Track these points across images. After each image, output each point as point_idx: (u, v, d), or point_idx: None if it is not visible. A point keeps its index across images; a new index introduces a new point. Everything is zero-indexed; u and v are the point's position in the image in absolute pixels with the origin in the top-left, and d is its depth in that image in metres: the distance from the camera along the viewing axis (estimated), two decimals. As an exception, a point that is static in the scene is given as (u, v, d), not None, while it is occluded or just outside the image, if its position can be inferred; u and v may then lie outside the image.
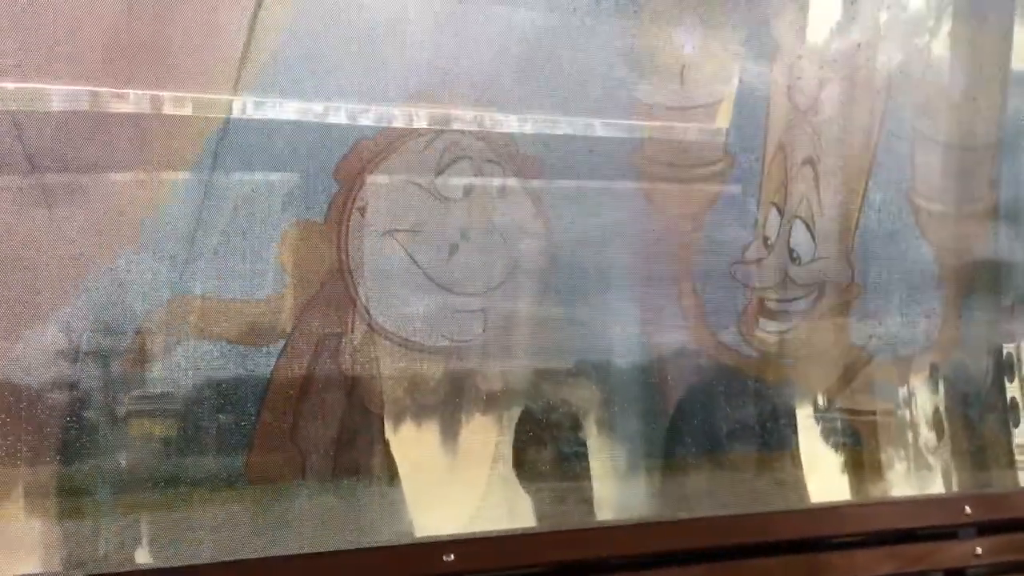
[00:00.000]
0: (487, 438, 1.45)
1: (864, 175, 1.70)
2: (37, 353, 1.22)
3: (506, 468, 1.45)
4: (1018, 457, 1.80)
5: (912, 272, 1.75)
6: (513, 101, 1.46)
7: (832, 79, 1.67)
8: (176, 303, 1.29)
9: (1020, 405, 1.83)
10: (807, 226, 1.67)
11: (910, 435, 1.73)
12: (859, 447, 1.69)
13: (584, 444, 1.50)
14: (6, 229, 1.21)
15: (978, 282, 1.81)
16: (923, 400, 1.75)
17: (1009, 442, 1.81)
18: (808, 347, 1.66)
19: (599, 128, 1.52)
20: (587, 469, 1.50)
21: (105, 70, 1.25)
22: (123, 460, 1.26)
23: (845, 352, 1.69)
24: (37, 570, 1.21)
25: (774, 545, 1.55)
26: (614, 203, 1.53)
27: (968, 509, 1.64)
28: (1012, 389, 1.83)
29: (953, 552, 1.63)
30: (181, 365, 1.29)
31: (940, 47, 1.77)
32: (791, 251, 1.66)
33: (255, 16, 1.31)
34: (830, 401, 1.68)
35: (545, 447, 1.48)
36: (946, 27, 1.76)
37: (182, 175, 1.29)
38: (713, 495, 1.57)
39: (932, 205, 1.76)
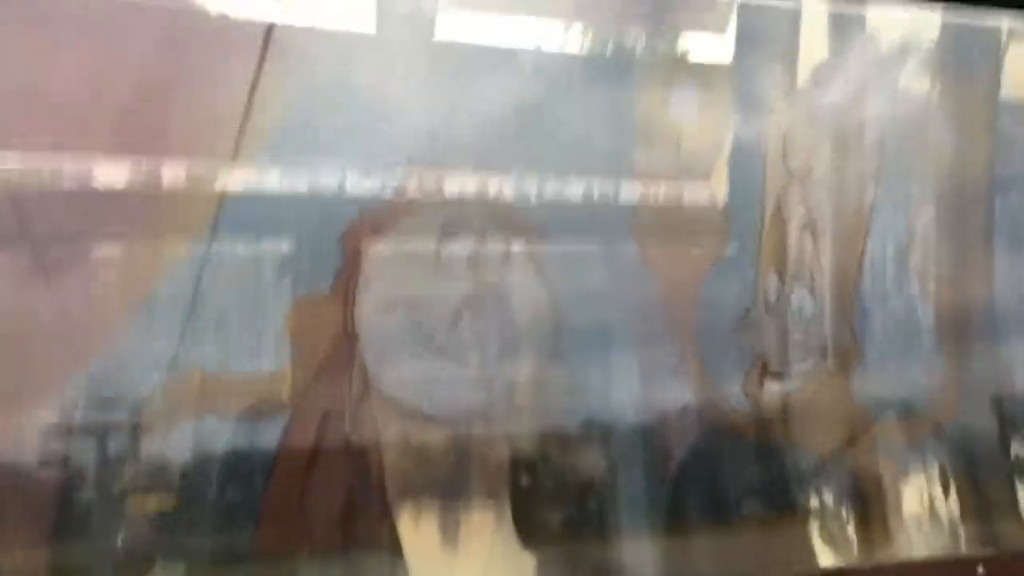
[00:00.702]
0: (493, 507, 1.44)
1: (861, 237, 1.72)
2: (36, 432, 1.22)
3: (512, 537, 1.44)
4: (1025, 514, 1.79)
5: (912, 332, 1.75)
6: (512, 169, 1.48)
7: (824, 142, 1.70)
8: (179, 379, 1.29)
9: (1024, 463, 1.83)
10: (808, 290, 1.68)
11: (918, 496, 1.72)
12: (866, 508, 1.68)
13: (590, 510, 1.49)
14: (3, 303, 1.21)
15: (978, 339, 1.81)
16: (929, 460, 1.75)
17: (1015, 500, 1.80)
18: (813, 408, 1.66)
19: (598, 193, 1.54)
20: (594, 535, 1.49)
21: (105, 144, 1.26)
22: (124, 540, 1.24)
23: (849, 413, 1.69)
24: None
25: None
26: (614, 267, 1.54)
27: (981, 570, 1.62)
28: (1017, 447, 1.83)
29: (968, 613, 1.62)
30: (185, 441, 1.29)
31: (929, 106, 1.80)
32: (793, 314, 1.66)
33: (253, 89, 1.33)
34: (836, 462, 1.67)
35: (552, 514, 1.47)
36: (935, 86, 1.80)
37: (183, 248, 1.31)
38: (719, 558, 1.56)
39: (929, 264, 1.78)
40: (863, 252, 1.72)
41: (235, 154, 1.32)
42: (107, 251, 1.27)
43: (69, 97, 1.25)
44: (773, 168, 1.66)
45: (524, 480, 1.46)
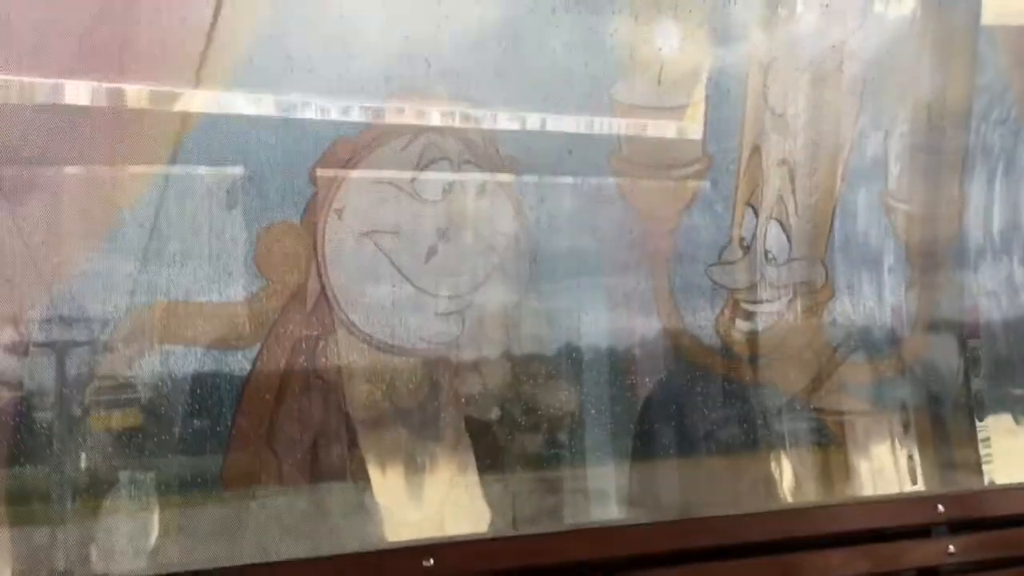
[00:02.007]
0: (464, 440, 1.44)
1: (838, 176, 1.71)
2: (10, 362, 1.19)
3: (482, 471, 1.44)
4: (983, 451, 1.82)
5: (884, 272, 1.76)
6: (492, 99, 1.44)
7: (807, 81, 1.67)
8: (146, 306, 1.26)
9: (984, 400, 1.85)
10: (782, 227, 1.67)
11: (882, 435, 1.75)
12: (833, 447, 1.70)
13: (560, 445, 1.50)
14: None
15: (948, 281, 1.82)
16: (895, 399, 1.76)
17: (975, 437, 1.83)
18: (783, 347, 1.67)
19: (577, 127, 1.51)
20: (563, 470, 1.49)
21: (70, 64, 1.22)
22: (90, 465, 1.23)
23: (819, 352, 1.70)
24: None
25: (748, 546, 1.55)
26: (592, 203, 1.52)
27: (941, 508, 1.65)
28: (977, 384, 1.85)
29: (926, 550, 1.64)
30: (153, 369, 1.27)
31: (911, 49, 1.78)
32: (766, 252, 1.66)
33: (218, 8, 1.28)
34: (804, 401, 1.68)
35: (522, 448, 1.47)
36: (917, 29, 1.77)
37: (152, 172, 1.27)
38: (687, 496, 1.57)
39: (904, 205, 1.78)
40: (840, 192, 1.72)
41: (199, 78, 1.28)
42: (70, 175, 1.23)
43: (32, 16, 1.20)
44: (753, 105, 1.64)
45: (494, 412, 1.46)
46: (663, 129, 1.57)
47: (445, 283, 1.43)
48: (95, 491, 1.23)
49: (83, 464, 1.22)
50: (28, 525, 1.20)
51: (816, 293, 1.70)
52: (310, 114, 1.34)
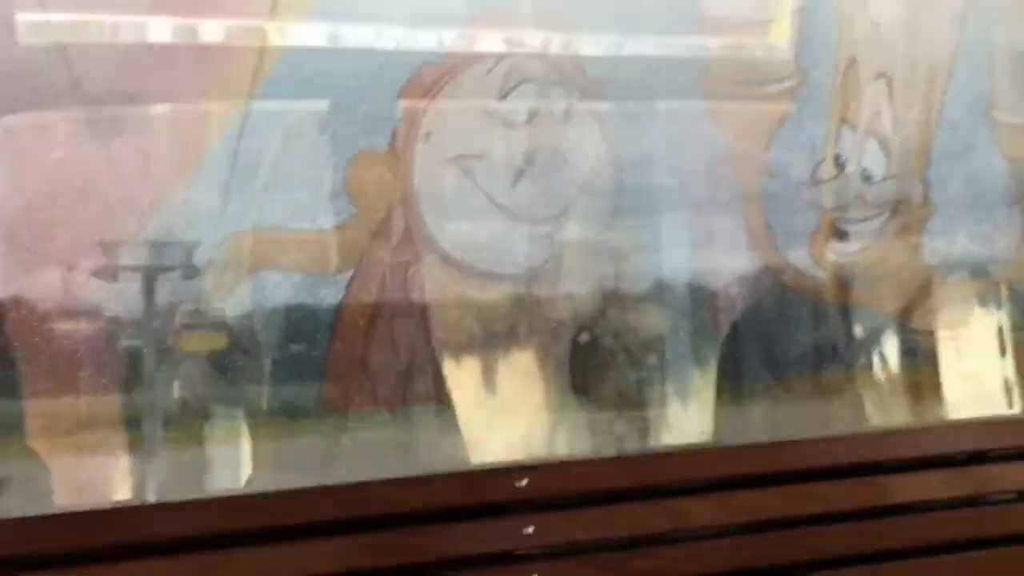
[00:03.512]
0: (555, 365, 1.45)
1: (941, 89, 1.64)
2: (102, 287, 1.23)
3: (574, 394, 1.45)
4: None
5: (988, 189, 1.69)
6: (577, 21, 1.42)
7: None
8: (241, 235, 1.29)
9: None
10: (880, 143, 1.62)
11: (984, 356, 1.70)
12: (930, 368, 1.66)
13: (652, 369, 1.50)
14: (61, 162, 1.21)
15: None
16: (998, 320, 1.71)
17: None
18: (880, 267, 1.63)
19: (665, 47, 1.48)
20: (655, 395, 1.50)
21: (155, 2, 1.23)
22: (192, 392, 1.27)
23: (918, 272, 1.65)
24: (124, 496, 1.24)
25: (841, 469, 1.54)
26: (681, 124, 1.49)
27: (1038, 430, 1.62)
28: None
29: (1028, 473, 1.61)
30: (249, 297, 1.30)
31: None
32: (863, 170, 1.61)
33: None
34: (902, 322, 1.65)
35: (612, 373, 1.48)
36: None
37: (243, 105, 1.29)
38: (774, 418, 1.56)
39: (1011, 119, 1.70)
40: (941, 104, 1.65)
41: (281, 10, 1.28)
42: (160, 110, 1.25)
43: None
44: (849, 16, 1.57)
45: (583, 337, 1.47)
46: (753, 43, 1.52)
47: (533, 208, 1.42)
48: (189, 416, 1.27)
49: (175, 391, 1.27)
50: (143, 447, 1.25)
51: (915, 211, 1.65)
52: (394, 41, 1.34)
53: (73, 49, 1.21)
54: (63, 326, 1.22)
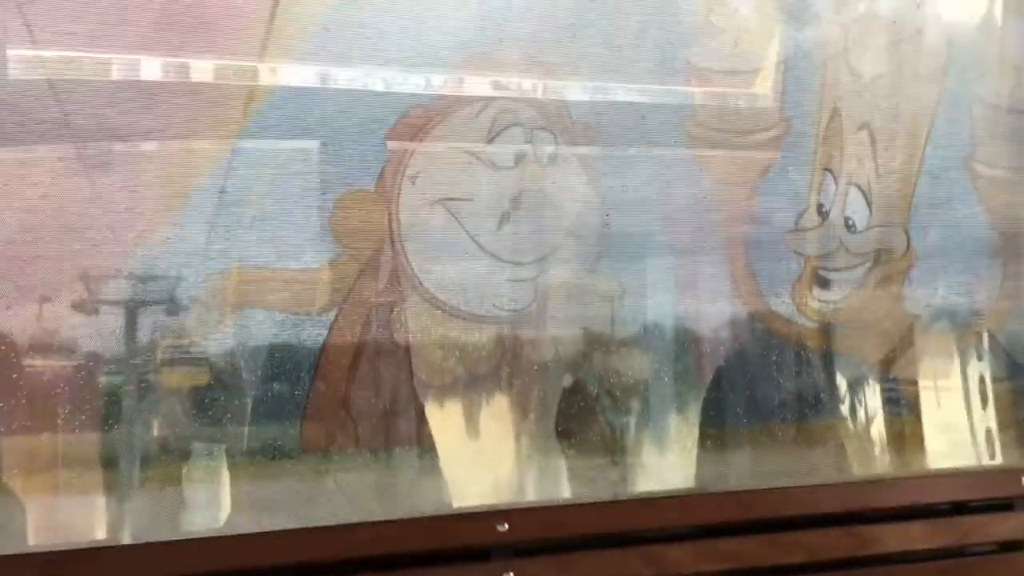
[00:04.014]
0: (538, 408, 1.44)
1: (922, 140, 1.66)
2: (83, 321, 1.22)
3: (556, 439, 1.45)
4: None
5: (969, 240, 1.71)
6: (564, 66, 1.43)
7: (889, 42, 1.63)
8: (227, 272, 1.29)
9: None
10: (863, 193, 1.63)
11: (965, 407, 1.71)
12: (913, 418, 1.67)
13: (634, 415, 1.49)
14: (46, 196, 1.21)
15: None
16: (979, 371, 1.72)
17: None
18: (862, 317, 1.64)
19: (651, 94, 1.49)
20: (636, 440, 1.49)
21: (145, 39, 1.24)
22: (171, 430, 1.26)
23: (900, 321, 1.66)
24: (95, 538, 1.22)
25: (823, 517, 1.54)
26: (666, 170, 1.51)
27: (1025, 481, 1.62)
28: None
29: (1010, 524, 1.61)
30: (233, 335, 1.29)
31: (999, 9, 1.72)
32: (846, 219, 1.62)
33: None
34: (884, 371, 1.65)
35: (595, 418, 1.47)
36: (1005, -12, 1.71)
37: (230, 143, 1.29)
38: (755, 464, 1.56)
39: (991, 171, 1.72)
40: (922, 155, 1.67)
41: (272, 50, 1.29)
42: (148, 147, 1.26)
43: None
44: (833, 67, 1.60)
45: (566, 380, 1.46)
46: (740, 93, 1.54)
47: (518, 251, 1.43)
48: (168, 455, 1.26)
49: (155, 429, 1.25)
50: (122, 487, 1.24)
51: (897, 261, 1.66)
52: (382, 83, 1.35)
53: (63, 85, 1.21)
54: (41, 361, 1.21)
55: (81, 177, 1.23)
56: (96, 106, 1.23)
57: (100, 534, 1.22)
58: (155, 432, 1.25)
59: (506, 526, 1.33)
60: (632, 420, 1.49)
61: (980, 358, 1.72)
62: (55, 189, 1.22)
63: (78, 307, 1.22)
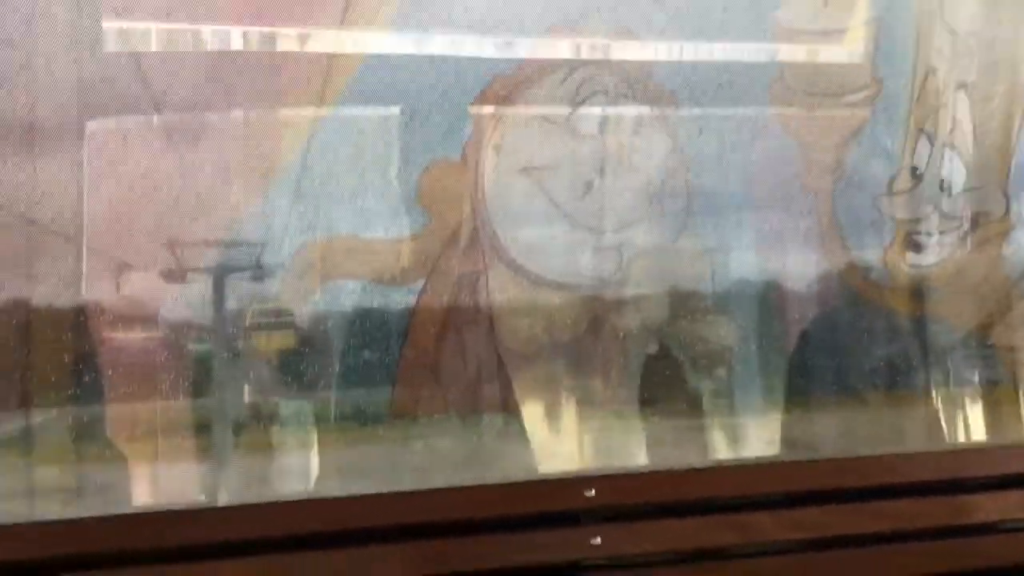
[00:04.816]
0: (623, 375, 1.44)
1: (1021, 99, 1.60)
2: (179, 294, 1.26)
3: (642, 405, 1.45)
4: None
5: (1073, 201, 1.65)
6: (650, 29, 1.41)
7: (986, -7, 1.57)
8: (316, 243, 1.31)
9: None
10: (959, 154, 1.58)
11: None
12: (1007, 386, 1.62)
13: (721, 381, 1.48)
14: (140, 169, 1.24)
15: None
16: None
17: None
18: (957, 281, 1.59)
19: (737, 55, 1.46)
20: (724, 406, 1.48)
21: (230, 11, 1.26)
22: (264, 397, 1.29)
23: (997, 286, 1.61)
24: (193, 499, 1.26)
25: (914, 486, 1.51)
26: (753, 134, 1.48)
27: (1125, 452, 1.56)
28: None
29: (1108, 493, 1.56)
30: (323, 302, 1.32)
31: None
32: (941, 181, 1.58)
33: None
34: (980, 338, 1.61)
35: (682, 384, 1.47)
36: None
37: (319, 113, 1.30)
38: (846, 435, 1.53)
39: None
40: (1022, 115, 1.61)
41: (358, 19, 1.29)
42: (236, 119, 1.28)
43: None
44: (929, 24, 1.54)
45: (651, 347, 1.46)
46: (829, 53, 1.50)
47: (602, 218, 1.42)
48: (259, 420, 1.29)
49: (246, 395, 1.29)
50: (216, 451, 1.28)
51: (995, 224, 1.61)
52: (467, 51, 1.34)
53: (155, 57, 1.24)
54: (140, 331, 1.25)
55: (173, 149, 1.25)
56: (187, 78, 1.25)
57: (198, 496, 1.26)
58: (246, 398, 1.29)
59: (593, 492, 1.33)
60: (717, 386, 1.48)
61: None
62: (148, 161, 1.25)
63: (168, 276, 1.26)
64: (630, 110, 1.42)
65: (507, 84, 1.36)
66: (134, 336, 1.26)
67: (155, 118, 1.25)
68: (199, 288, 1.27)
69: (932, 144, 1.57)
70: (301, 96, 1.30)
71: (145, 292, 1.25)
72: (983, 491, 1.52)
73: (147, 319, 1.26)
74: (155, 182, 1.25)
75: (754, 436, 1.50)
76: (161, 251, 1.25)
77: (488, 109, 1.36)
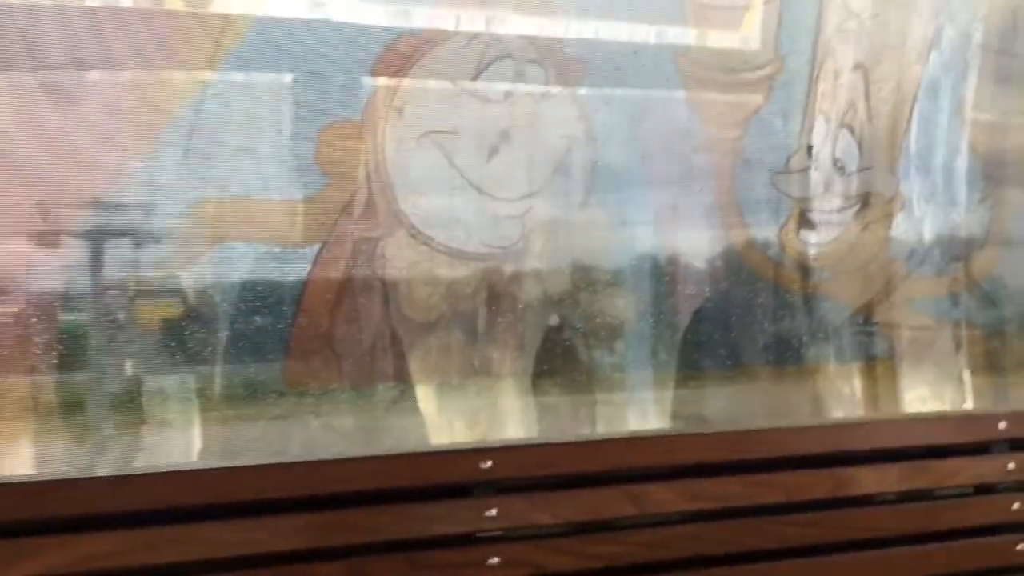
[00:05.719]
0: (521, 346, 1.43)
1: (915, 83, 1.64)
2: (57, 258, 1.19)
3: (539, 377, 1.44)
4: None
5: (958, 185, 1.70)
6: (560, 5, 1.39)
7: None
8: (206, 205, 1.25)
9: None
10: (853, 135, 1.61)
11: (943, 352, 1.71)
12: (892, 362, 1.67)
13: (618, 353, 1.49)
14: (16, 126, 1.16)
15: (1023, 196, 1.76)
16: (960, 316, 1.73)
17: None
18: (847, 259, 1.63)
19: (643, 32, 1.46)
20: (619, 379, 1.49)
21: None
22: (148, 365, 1.24)
23: (884, 266, 1.66)
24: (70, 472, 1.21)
25: (802, 459, 1.54)
26: (657, 109, 1.48)
27: (1003, 425, 1.63)
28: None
29: (984, 467, 1.63)
30: (215, 267, 1.27)
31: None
32: (835, 160, 1.61)
33: None
34: (866, 315, 1.65)
35: (579, 356, 1.47)
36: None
37: (213, 73, 1.25)
38: (736, 408, 1.56)
39: (981, 115, 1.71)
40: (915, 98, 1.65)
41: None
42: (122, 78, 1.21)
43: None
44: (826, 4, 1.57)
45: (551, 318, 1.45)
46: (733, 30, 1.51)
47: (505, 186, 1.40)
48: (140, 395, 1.24)
49: (127, 366, 1.23)
50: (101, 420, 1.22)
51: (885, 204, 1.65)
52: (370, 12, 1.30)
53: (31, 12, 1.16)
54: (8, 301, 1.18)
55: (51, 107, 1.18)
56: (66, 35, 1.18)
57: (76, 468, 1.21)
58: (128, 368, 1.23)
59: (489, 463, 1.32)
60: (616, 360, 1.48)
61: (961, 304, 1.72)
62: (23, 119, 1.17)
63: (40, 241, 1.19)
64: (537, 75, 1.40)
65: (411, 43, 1.33)
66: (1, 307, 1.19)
67: (32, 74, 1.17)
68: (75, 254, 1.20)
69: (828, 124, 1.60)
70: (192, 55, 1.24)
71: (12, 259, 1.18)
72: (865, 464, 1.57)
73: (15, 288, 1.19)
74: (26, 139, 1.18)
75: (648, 409, 1.51)
76: (31, 214, 1.18)
77: (391, 70, 1.32)
